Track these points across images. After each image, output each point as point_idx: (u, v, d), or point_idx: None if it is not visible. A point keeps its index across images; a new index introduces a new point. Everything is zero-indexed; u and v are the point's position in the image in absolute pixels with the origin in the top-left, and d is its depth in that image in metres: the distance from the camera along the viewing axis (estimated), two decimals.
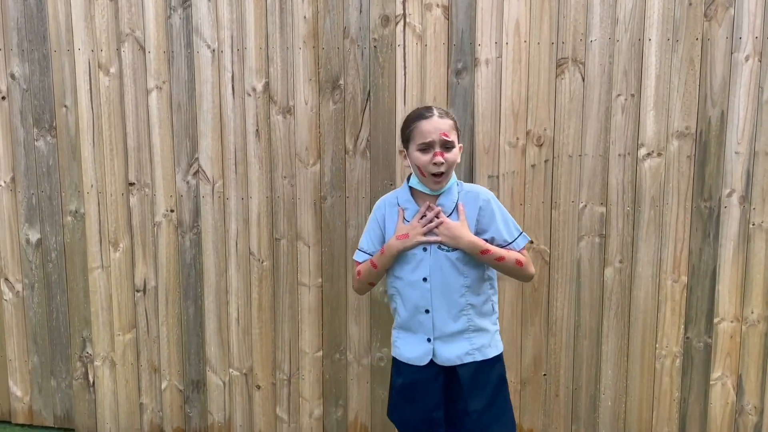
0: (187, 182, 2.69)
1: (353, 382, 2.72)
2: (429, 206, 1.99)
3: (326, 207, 2.63)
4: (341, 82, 2.54)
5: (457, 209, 2.00)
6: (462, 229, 1.96)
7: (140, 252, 2.76)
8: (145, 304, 2.80)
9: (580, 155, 2.46)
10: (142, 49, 2.63)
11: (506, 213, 2.06)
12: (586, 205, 2.48)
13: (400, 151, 2.07)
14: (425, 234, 1.97)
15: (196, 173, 2.67)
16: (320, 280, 2.67)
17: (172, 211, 2.71)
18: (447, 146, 1.94)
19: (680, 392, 2.54)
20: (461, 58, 2.47)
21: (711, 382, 2.53)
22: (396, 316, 2.12)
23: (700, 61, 2.36)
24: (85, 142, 2.71)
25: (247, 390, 2.79)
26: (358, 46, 2.51)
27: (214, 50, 2.59)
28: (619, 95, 2.41)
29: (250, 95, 2.60)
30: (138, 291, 2.80)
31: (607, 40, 2.39)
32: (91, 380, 2.90)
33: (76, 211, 2.77)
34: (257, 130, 2.61)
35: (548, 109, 2.46)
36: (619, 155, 2.44)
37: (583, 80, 2.43)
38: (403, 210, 2.05)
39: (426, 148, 1.95)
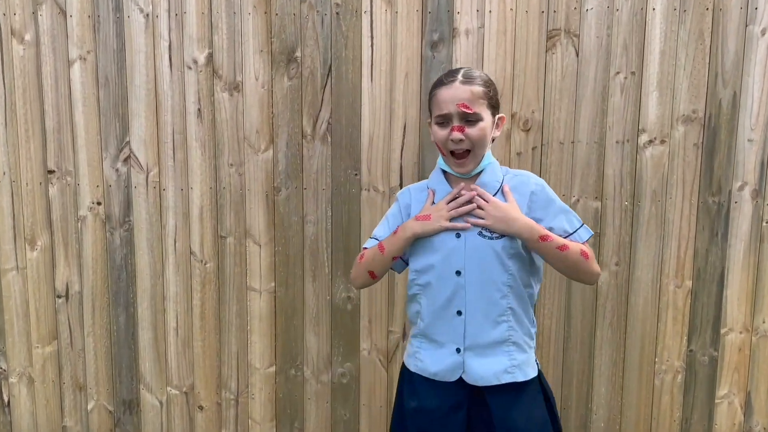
0: (117, 170, 2.29)
1: (311, 402, 2.37)
2: (464, 187, 1.63)
3: (280, 200, 2.26)
4: (298, 54, 2.18)
5: (502, 191, 1.63)
6: (515, 210, 1.60)
7: (62, 251, 2.36)
8: (68, 312, 2.40)
9: (572, 142, 2.14)
10: (63, 12, 2.23)
11: (563, 203, 1.69)
12: (578, 200, 2.17)
13: (428, 122, 1.71)
14: (454, 219, 1.61)
15: (126, 159, 2.28)
16: (273, 284, 2.31)
17: (98, 203, 2.32)
18: (469, 119, 1.58)
19: (682, 412, 2.25)
20: (437, 28, 2.13)
21: (716, 401, 2.24)
22: (417, 321, 1.71)
23: (711, 35, 2.06)
24: None
25: (187, 411, 2.42)
26: (318, 12, 2.15)
27: (147, 14, 2.20)
28: (617, 73, 2.10)
29: (190, 68, 2.22)
30: (59, 297, 2.39)
31: (605, 9, 2.07)
32: (5, 399, 2.49)
33: None
34: (199, 110, 2.24)
35: (537, 88, 2.13)
36: (617, 142, 2.13)
37: (577, 55, 2.11)
38: (433, 192, 1.69)
39: (443, 121, 1.60)
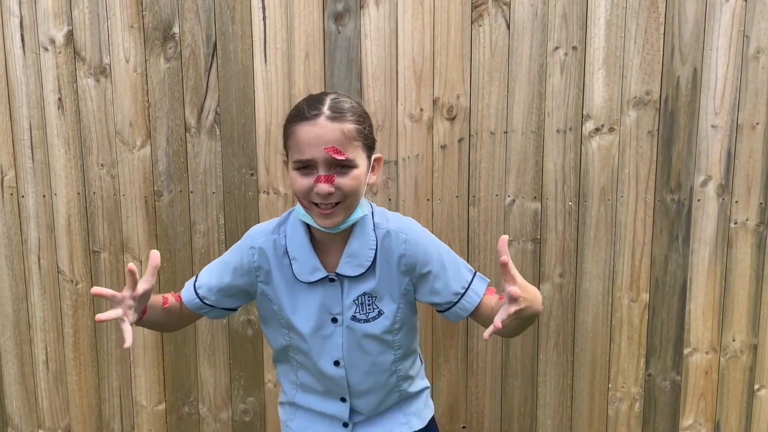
0: None
1: None
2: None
3: (162, 206, 1.90)
4: (176, 30, 1.82)
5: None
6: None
7: None
8: None
9: (505, 132, 1.81)
10: None
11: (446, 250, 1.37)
12: (514, 200, 1.84)
13: (284, 161, 1.32)
14: None
15: None
16: None
17: None
18: (341, 165, 1.21)
19: None
20: None
21: None
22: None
23: (666, 1, 1.74)
24: None
25: None
26: None
27: None
28: (556, 48, 1.77)
29: (47, 49, 1.84)
30: None
31: None
32: None
33: None
34: (60, 100, 1.86)
35: (462, 68, 1.79)
36: (558, 131, 1.80)
37: (509, 28, 1.77)
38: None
39: (304, 167, 1.22)
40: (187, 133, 1.87)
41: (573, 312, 1.89)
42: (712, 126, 1.78)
